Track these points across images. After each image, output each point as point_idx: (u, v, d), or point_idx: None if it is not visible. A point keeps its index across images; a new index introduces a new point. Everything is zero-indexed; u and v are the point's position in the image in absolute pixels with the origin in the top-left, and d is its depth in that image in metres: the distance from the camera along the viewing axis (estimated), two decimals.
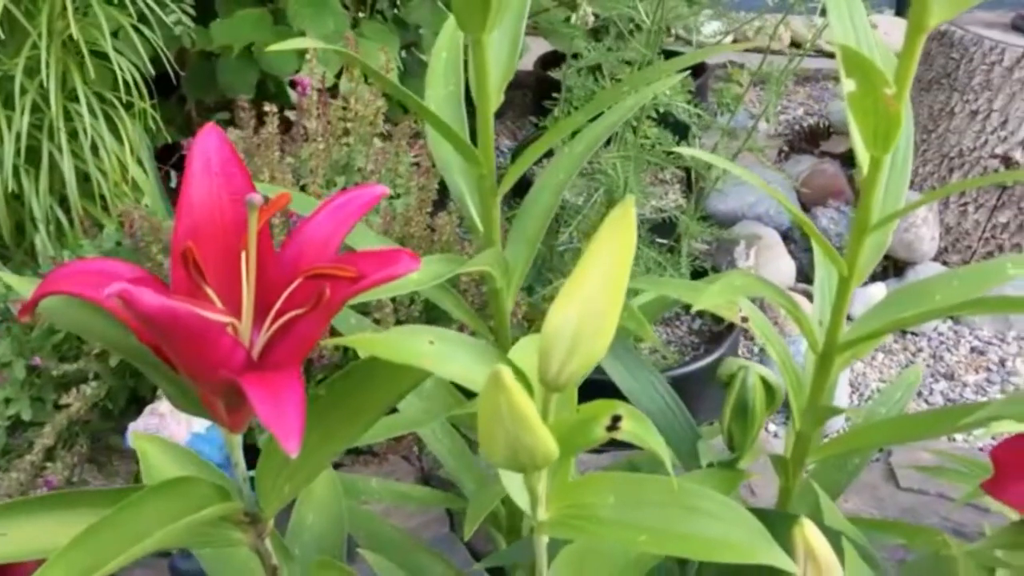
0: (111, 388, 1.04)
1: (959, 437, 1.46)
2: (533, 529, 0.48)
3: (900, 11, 2.91)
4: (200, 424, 0.99)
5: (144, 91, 1.24)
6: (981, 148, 1.73)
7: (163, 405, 0.97)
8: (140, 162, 1.28)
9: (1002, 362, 1.63)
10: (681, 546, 0.41)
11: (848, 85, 0.51)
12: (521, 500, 0.48)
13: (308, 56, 1.03)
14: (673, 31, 0.99)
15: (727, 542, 0.41)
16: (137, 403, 1.14)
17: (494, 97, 0.60)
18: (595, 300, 0.41)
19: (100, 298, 0.41)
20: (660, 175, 1.43)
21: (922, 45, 0.54)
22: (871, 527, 0.67)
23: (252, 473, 0.50)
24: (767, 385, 0.60)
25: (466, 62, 0.65)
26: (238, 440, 0.47)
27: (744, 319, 0.67)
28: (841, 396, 1.54)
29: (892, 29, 2.38)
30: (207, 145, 0.44)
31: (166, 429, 0.97)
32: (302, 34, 1.29)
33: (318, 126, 0.94)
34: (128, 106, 1.26)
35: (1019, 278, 0.64)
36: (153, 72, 1.33)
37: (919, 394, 1.57)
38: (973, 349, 1.67)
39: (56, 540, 0.48)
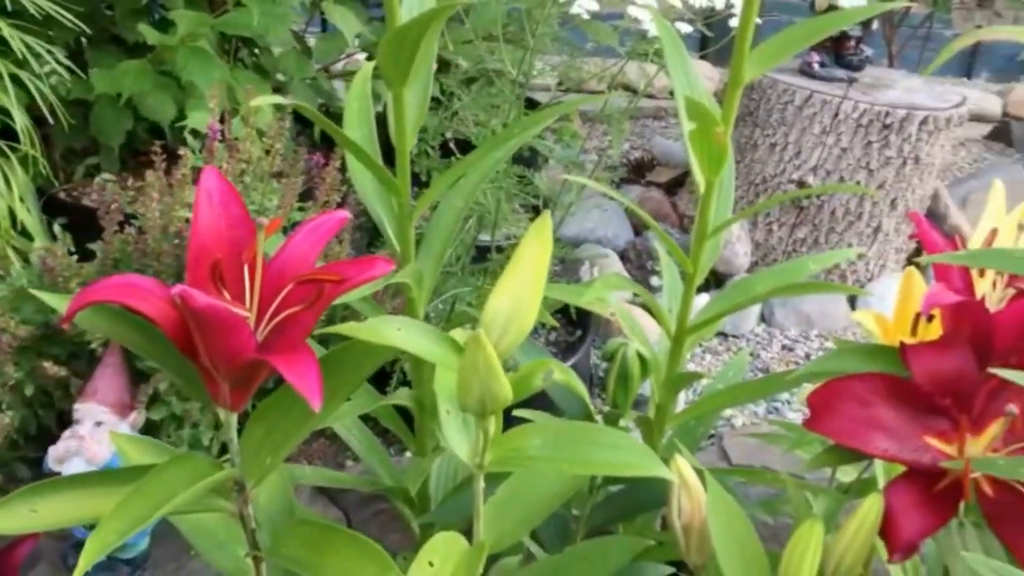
0: (23, 418, 1.08)
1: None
2: (472, 477, 0.60)
3: (704, 54, 3.21)
4: None
5: (35, 138, 1.28)
6: (780, 175, 1.97)
7: (83, 428, 1.02)
8: (28, 208, 1.31)
9: (808, 356, 1.87)
10: (594, 468, 0.54)
11: (689, 126, 0.67)
12: (462, 452, 0.59)
13: (211, 104, 1.11)
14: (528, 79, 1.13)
15: (628, 463, 0.54)
16: (41, 434, 1.17)
17: (410, 137, 0.72)
18: (522, 290, 0.54)
19: (132, 303, 0.51)
20: (511, 204, 1.57)
21: (739, 95, 0.70)
22: (718, 472, 0.82)
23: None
24: (641, 358, 0.74)
25: (380, 113, 0.77)
26: (234, 419, 0.57)
27: (612, 313, 0.82)
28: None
29: (698, 70, 2.63)
30: (209, 184, 0.54)
31: (87, 451, 1.02)
32: (190, 84, 1.36)
33: (228, 167, 1.03)
34: (13, 151, 1.29)
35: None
36: (29, 120, 1.37)
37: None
38: (784, 347, 1.90)
39: (78, 513, 0.57)
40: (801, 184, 1.94)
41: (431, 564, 0.59)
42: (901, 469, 0.62)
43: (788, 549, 0.59)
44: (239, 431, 0.60)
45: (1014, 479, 0.57)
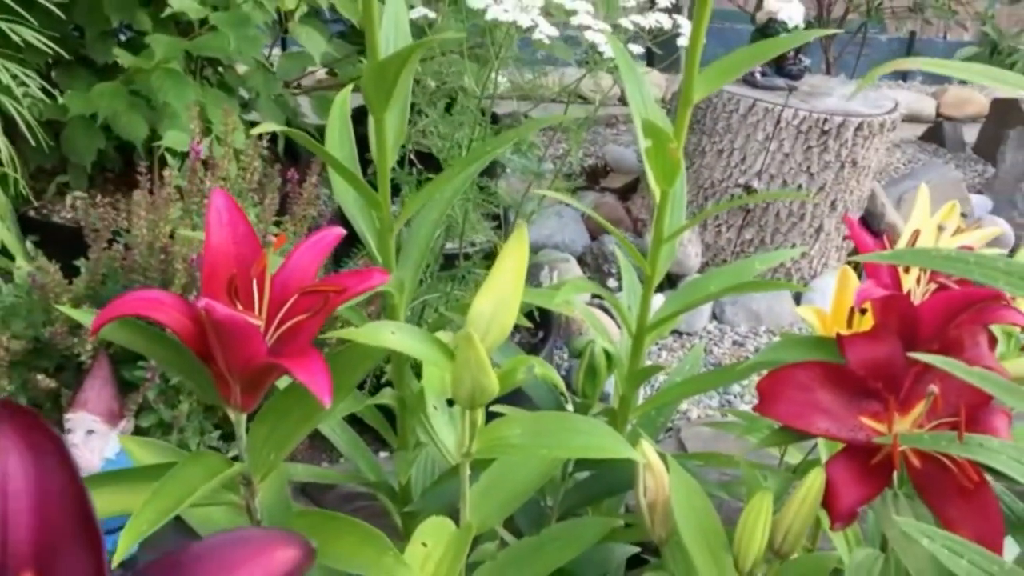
0: None
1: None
2: (454, 469, 0.65)
3: (650, 63, 3.30)
4: (111, 450, 1.08)
5: (14, 159, 1.31)
6: (728, 179, 2.06)
7: (75, 437, 1.06)
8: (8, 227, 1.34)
9: (757, 351, 1.95)
10: (571, 452, 0.60)
11: (645, 143, 0.73)
12: (449, 443, 0.65)
13: (192, 125, 1.15)
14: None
15: (601, 446, 0.60)
16: None
17: (391, 157, 0.78)
18: (503, 294, 0.60)
19: (152, 315, 0.56)
20: (475, 213, 1.63)
21: (689, 113, 0.77)
22: (679, 457, 0.88)
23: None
24: (607, 354, 0.80)
25: (360, 135, 0.82)
26: (243, 418, 0.62)
27: (577, 314, 0.88)
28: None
29: (648, 79, 2.71)
30: (218, 205, 0.59)
31: (80, 458, 1.06)
32: (163, 104, 1.40)
33: (209, 185, 1.07)
34: None
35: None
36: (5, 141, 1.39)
37: None
38: (735, 342, 1.98)
39: (109, 507, 0.62)
40: (747, 188, 2.03)
41: (424, 545, 0.65)
42: (840, 447, 0.69)
43: (742, 520, 0.66)
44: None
45: (938, 451, 0.64)
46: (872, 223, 2.26)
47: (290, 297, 0.59)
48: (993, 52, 4.35)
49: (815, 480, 0.66)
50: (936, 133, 3.28)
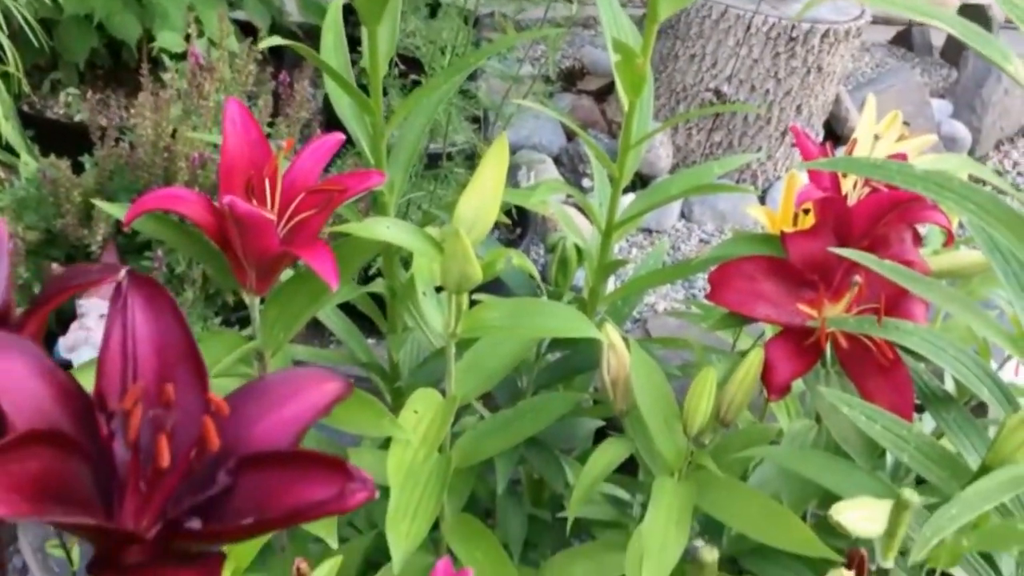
0: None
1: None
2: (438, 351, 0.74)
3: None
4: None
5: (16, 57, 1.35)
6: (699, 84, 2.11)
7: (89, 320, 1.14)
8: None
9: None
10: (544, 332, 0.69)
11: (615, 58, 0.79)
12: (437, 325, 0.73)
13: (189, 30, 1.19)
14: None
15: (571, 327, 0.69)
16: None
17: (382, 67, 0.84)
18: (486, 194, 0.67)
19: (178, 209, 0.63)
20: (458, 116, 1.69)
21: (656, 29, 0.82)
22: (642, 341, 0.97)
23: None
24: (577, 248, 0.88)
25: (353, 42, 0.88)
26: (257, 300, 0.70)
27: (551, 212, 0.96)
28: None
29: None
30: (232, 111, 0.66)
31: (95, 339, 1.14)
32: (158, 4, 1.43)
33: (210, 87, 1.12)
34: None
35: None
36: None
37: None
38: (701, 240, 2.07)
39: None
40: (718, 92, 2.08)
41: (415, 412, 0.74)
42: (779, 330, 0.78)
43: (690, 391, 0.75)
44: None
45: (860, 333, 0.73)
46: (836, 127, 2.33)
47: (297, 195, 0.66)
48: None
49: (755, 357, 0.75)
50: (906, 37, 3.32)
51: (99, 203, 0.69)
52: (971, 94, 2.61)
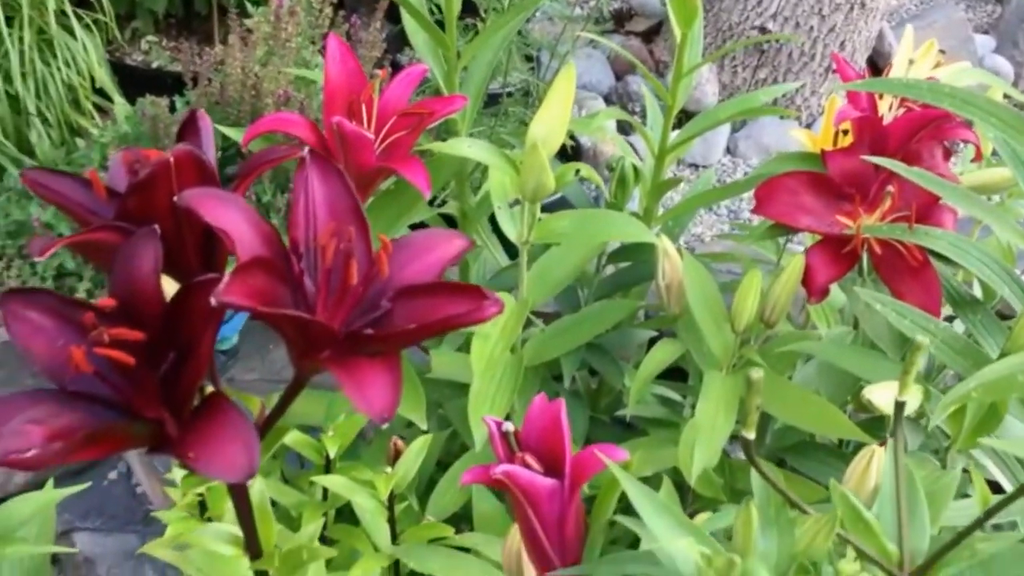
0: None
1: None
2: (507, 265, 0.81)
3: None
4: None
5: (104, 5, 1.43)
6: (745, 21, 2.13)
7: None
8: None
9: None
10: (607, 236, 0.76)
11: None
12: (512, 234, 0.81)
13: None
14: None
15: (632, 232, 0.76)
16: None
17: (456, 5, 0.90)
18: (554, 119, 0.74)
19: (288, 130, 0.71)
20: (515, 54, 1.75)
21: None
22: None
23: None
24: (634, 168, 0.95)
25: None
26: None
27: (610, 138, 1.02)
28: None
29: None
30: (333, 46, 0.73)
31: None
32: None
33: (292, 29, 1.20)
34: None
35: None
36: None
37: (711, 208, 2.00)
38: (746, 174, 2.11)
39: None
40: (763, 30, 2.11)
41: None
42: (818, 239, 0.85)
43: (737, 292, 0.82)
44: None
45: (892, 239, 0.80)
46: (880, 62, 2.34)
47: (390, 118, 0.73)
48: None
49: (797, 262, 0.81)
50: None
51: (220, 128, 0.77)
52: (1015, 29, 2.60)
